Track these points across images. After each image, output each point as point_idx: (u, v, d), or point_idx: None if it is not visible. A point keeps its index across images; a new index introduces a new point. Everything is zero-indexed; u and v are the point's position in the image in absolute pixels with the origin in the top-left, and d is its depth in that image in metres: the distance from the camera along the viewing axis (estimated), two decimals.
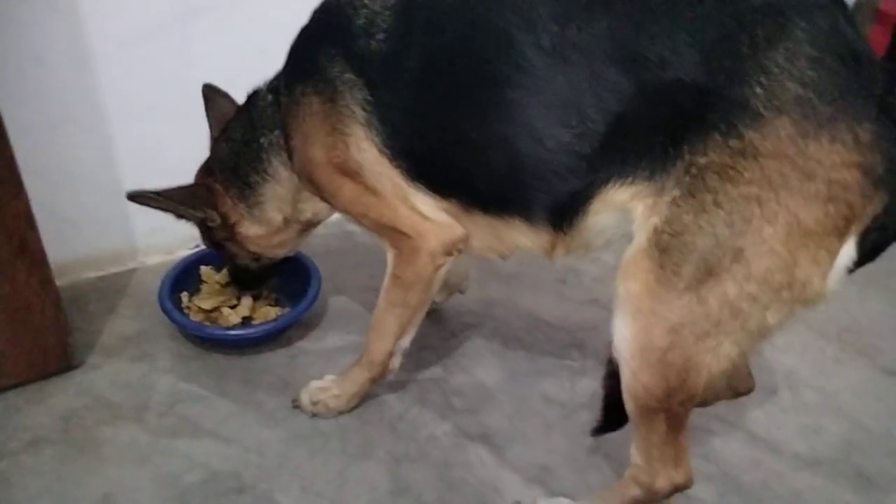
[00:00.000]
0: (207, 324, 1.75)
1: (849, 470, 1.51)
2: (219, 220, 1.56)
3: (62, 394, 1.59)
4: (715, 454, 1.52)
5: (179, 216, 1.56)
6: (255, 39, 1.76)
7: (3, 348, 1.52)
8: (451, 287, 1.83)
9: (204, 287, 1.84)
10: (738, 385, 1.44)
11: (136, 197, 1.45)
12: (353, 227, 2.11)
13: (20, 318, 1.51)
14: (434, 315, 1.84)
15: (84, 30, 1.64)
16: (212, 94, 1.59)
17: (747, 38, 1.01)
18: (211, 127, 1.60)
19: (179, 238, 1.90)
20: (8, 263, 1.44)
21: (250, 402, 1.59)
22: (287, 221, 1.57)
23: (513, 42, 1.13)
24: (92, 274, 1.93)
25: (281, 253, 1.67)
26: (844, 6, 1.08)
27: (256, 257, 1.66)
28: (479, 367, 1.72)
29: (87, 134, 1.77)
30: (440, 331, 1.82)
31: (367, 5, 1.28)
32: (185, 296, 1.80)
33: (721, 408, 1.56)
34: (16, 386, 1.58)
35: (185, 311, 1.76)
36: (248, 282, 1.77)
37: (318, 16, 1.35)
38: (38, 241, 1.45)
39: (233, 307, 1.80)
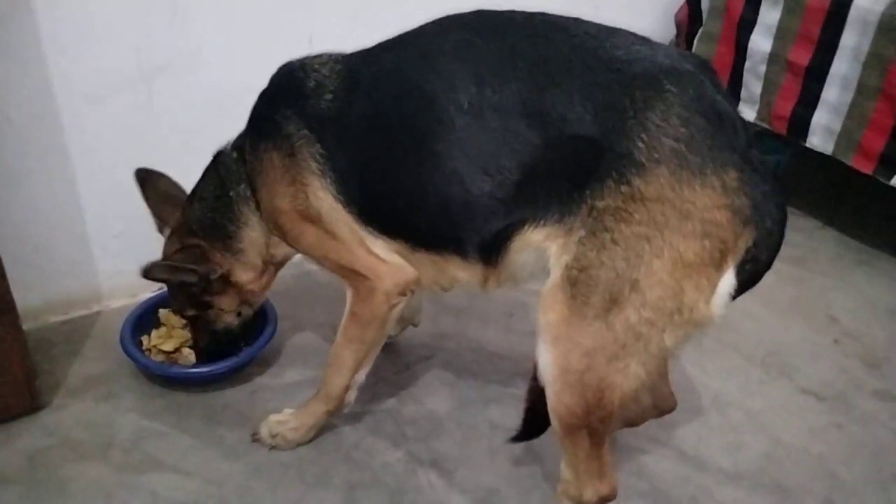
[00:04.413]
0: (168, 363, 1.82)
1: (768, 482, 1.63)
2: (220, 270, 1.60)
3: (28, 434, 1.64)
4: (647, 471, 1.64)
5: (181, 283, 1.60)
6: (215, 95, 1.89)
7: None
8: (405, 320, 1.94)
9: (163, 329, 1.90)
10: (661, 404, 1.56)
11: (149, 272, 1.52)
12: (310, 267, 2.22)
13: None
14: (388, 349, 1.93)
15: (52, 88, 1.73)
16: (147, 176, 1.68)
17: (629, 100, 1.17)
18: (152, 205, 1.67)
19: (142, 282, 1.96)
20: None
21: (211, 437, 1.67)
22: (266, 263, 1.66)
23: (437, 101, 1.28)
24: (57, 318, 1.99)
25: (263, 297, 1.76)
26: (712, 71, 1.25)
27: (240, 309, 1.71)
28: (431, 396, 1.83)
29: (53, 185, 1.84)
30: (394, 364, 1.92)
31: (317, 69, 1.43)
32: (145, 338, 1.87)
33: (652, 428, 1.68)
34: None
35: (147, 352, 1.83)
36: (225, 345, 1.78)
37: (275, 80, 1.50)
38: (7, 289, 1.52)
39: (192, 347, 1.86)
